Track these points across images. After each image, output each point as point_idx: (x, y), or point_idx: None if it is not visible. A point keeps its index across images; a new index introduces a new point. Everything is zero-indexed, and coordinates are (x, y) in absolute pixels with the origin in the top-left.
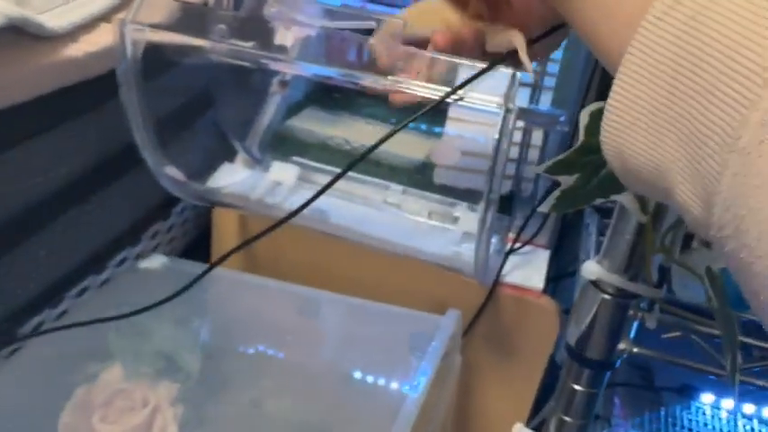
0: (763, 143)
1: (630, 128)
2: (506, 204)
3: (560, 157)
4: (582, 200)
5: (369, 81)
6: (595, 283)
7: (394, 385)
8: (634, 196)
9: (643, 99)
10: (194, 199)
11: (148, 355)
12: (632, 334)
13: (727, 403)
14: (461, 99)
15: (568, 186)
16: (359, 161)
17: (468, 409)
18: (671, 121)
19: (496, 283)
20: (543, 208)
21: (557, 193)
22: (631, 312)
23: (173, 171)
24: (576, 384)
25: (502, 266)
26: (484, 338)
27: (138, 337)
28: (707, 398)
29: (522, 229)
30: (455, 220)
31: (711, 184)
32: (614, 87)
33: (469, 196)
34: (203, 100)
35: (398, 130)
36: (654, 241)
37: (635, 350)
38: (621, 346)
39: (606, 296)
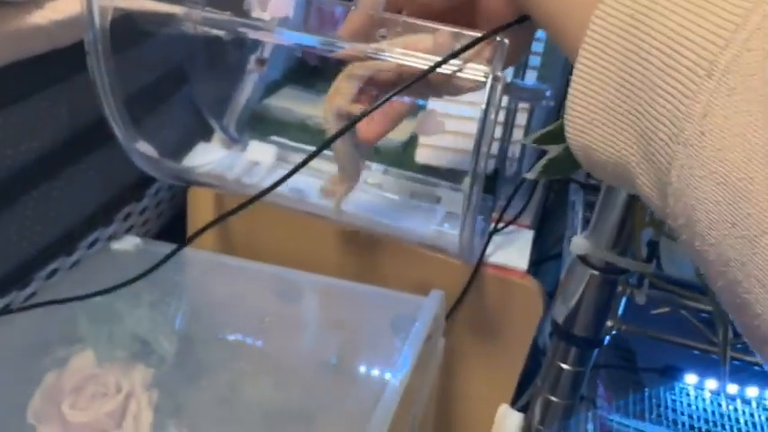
0: (705, 135)
1: (591, 125)
2: (490, 184)
3: (549, 128)
4: (569, 168)
5: (351, 50)
6: (584, 259)
7: (376, 369)
8: None
9: (599, 96)
10: (168, 178)
11: (121, 339)
12: (620, 311)
13: (711, 383)
14: (460, 70)
15: (555, 155)
16: (337, 137)
17: (450, 392)
18: (625, 116)
19: (480, 263)
20: (530, 175)
21: (543, 161)
22: (620, 288)
23: (145, 147)
24: (563, 363)
25: (485, 246)
26: (467, 321)
27: (110, 320)
28: (690, 378)
29: (505, 207)
30: (437, 200)
31: (664, 175)
32: (571, 85)
33: (452, 176)
34: (178, 76)
35: (381, 104)
36: (643, 215)
37: (623, 327)
38: (609, 323)
39: (594, 272)
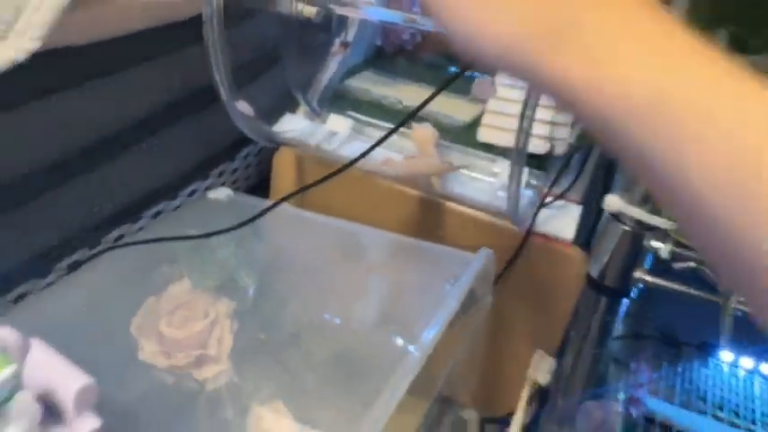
0: None
1: None
2: (542, 163)
3: None
4: None
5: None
6: (616, 217)
7: (421, 320)
8: None
9: None
10: (260, 138)
11: (211, 271)
12: (647, 265)
13: (746, 362)
14: None
15: None
16: (413, 116)
17: (496, 351)
18: None
19: (529, 232)
20: (570, 139)
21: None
22: (652, 243)
23: (243, 106)
24: (594, 313)
25: (536, 215)
26: (513, 286)
27: (203, 253)
28: (726, 356)
29: (554, 181)
30: (495, 174)
31: None
32: None
33: (510, 154)
34: (273, 55)
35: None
36: None
37: (649, 279)
38: (637, 275)
39: (626, 228)
